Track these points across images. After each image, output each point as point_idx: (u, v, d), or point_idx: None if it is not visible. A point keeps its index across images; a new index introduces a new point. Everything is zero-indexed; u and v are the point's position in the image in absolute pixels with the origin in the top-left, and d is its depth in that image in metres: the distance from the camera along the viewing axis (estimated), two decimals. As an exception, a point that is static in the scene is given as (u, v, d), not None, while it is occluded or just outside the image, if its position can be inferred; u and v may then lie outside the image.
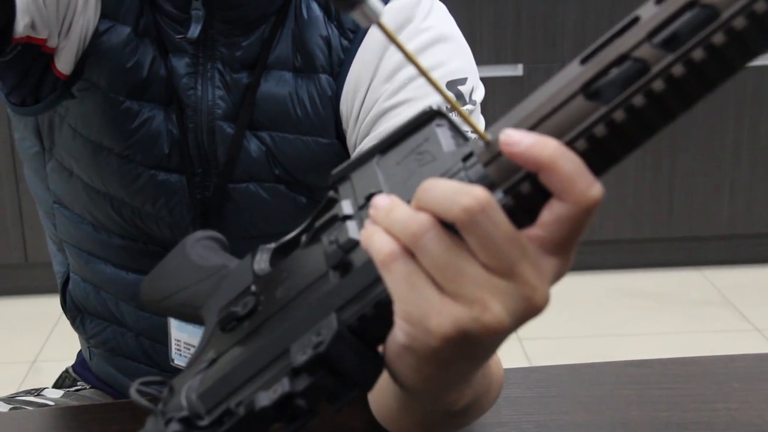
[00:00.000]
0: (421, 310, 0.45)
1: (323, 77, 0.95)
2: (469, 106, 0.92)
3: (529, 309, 0.45)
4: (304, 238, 0.53)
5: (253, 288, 0.53)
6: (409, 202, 0.46)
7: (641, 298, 2.98)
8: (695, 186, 3.05)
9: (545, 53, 2.89)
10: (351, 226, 0.49)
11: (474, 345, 0.46)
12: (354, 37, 0.94)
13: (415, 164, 0.49)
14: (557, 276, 0.46)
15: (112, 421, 0.89)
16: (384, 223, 0.46)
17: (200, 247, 0.60)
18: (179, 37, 0.94)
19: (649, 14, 0.44)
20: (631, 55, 0.44)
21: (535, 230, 0.45)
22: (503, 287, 0.44)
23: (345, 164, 0.52)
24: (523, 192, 0.45)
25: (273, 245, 0.56)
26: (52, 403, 1.11)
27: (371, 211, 0.47)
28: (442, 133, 0.50)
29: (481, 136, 0.47)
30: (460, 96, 0.91)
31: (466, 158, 0.47)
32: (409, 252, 0.45)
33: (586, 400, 0.90)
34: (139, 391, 0.51)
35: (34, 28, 0.89)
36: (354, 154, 0.94)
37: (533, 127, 0.45)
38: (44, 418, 0.95)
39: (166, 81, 0.95)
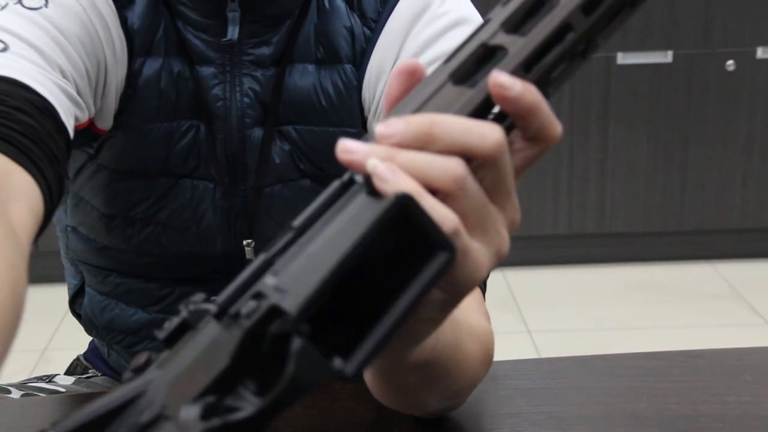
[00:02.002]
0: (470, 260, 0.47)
1: (348, 67, 0.94)
2: None
3: (512, 229, 0.50)
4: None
5: None
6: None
7: (652, 291, 2.98)
8: (707, 179, 3.04)
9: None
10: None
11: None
12: (375, 26, 0.94)
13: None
14: None
15: (123, 409, 0.89)
16: (417, 170, 0.45)
17: None
18: (224, 40, 0.91)
19: (497, 13, 0.50)
20: (488, 43, 0.49)
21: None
22: (503, 218, 0.49)
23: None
24: None
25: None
26: (63, 390, 1.11)
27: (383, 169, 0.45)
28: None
29: None
30: None
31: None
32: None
33: (597, 392, 0.89)
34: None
35: (77, 120, 0.86)
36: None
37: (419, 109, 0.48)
38: (54, 404, 0.95)
39: (194, 92, 0.93)
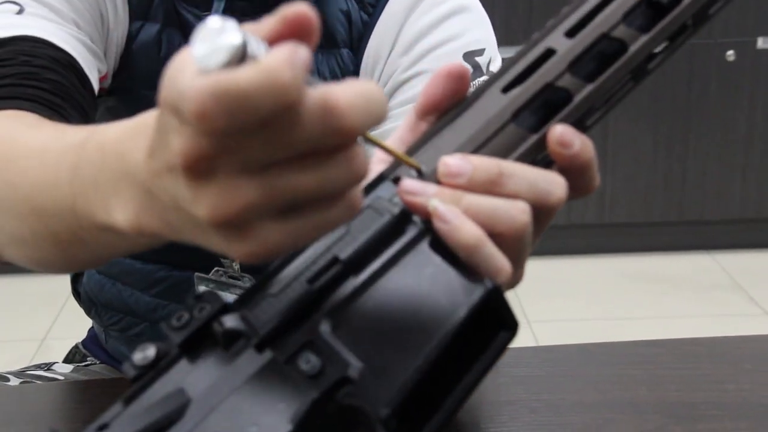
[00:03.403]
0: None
1: (344, 51, 0.94)
2: (486, 77, 0.91)
3: None
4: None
5: None
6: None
7: (652, 281, 2.98)
8: (707, 170, 3.04)
9: (557, 35, 2.87)
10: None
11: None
12: (373, 11, 0.94)
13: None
14: None
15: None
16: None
17: None
18: (205, 14, 0.92)
19: (564, 47, 0.48)
20: (555, 84, 0.48)
21: None
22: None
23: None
24: None
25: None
26: (61, 378, 1.11)
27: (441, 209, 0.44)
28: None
29: (413, 166, 0.46)
30: (477, 67, 0.91)
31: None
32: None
33: (596, 380, 0.89)
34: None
35: (99, 72, 0.88)
36: None
37: (474, 153, 0.47)
38: (53, 392, 0.95)
39: None
